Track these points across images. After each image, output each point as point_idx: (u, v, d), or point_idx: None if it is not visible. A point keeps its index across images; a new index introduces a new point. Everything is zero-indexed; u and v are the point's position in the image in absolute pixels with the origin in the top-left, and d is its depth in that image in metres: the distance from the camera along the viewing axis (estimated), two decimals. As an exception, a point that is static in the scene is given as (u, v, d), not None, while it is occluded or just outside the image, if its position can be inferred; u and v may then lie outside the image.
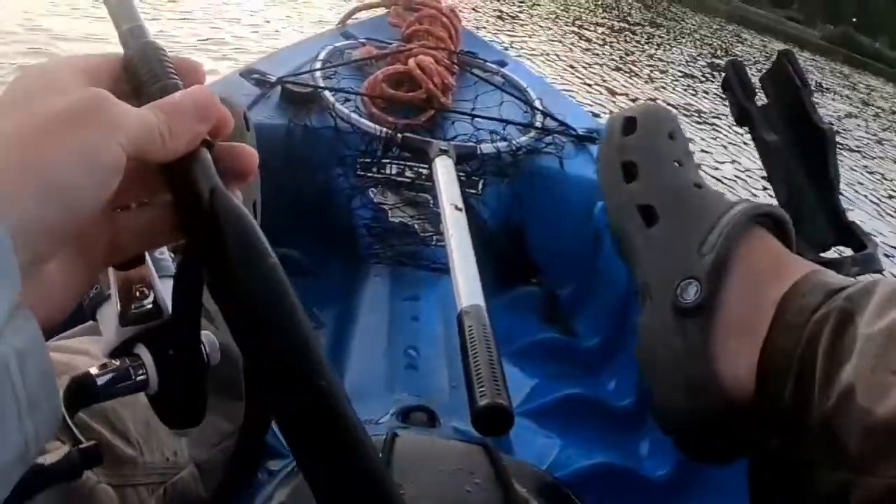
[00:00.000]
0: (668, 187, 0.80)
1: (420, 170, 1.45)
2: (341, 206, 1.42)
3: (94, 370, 0.43)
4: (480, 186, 1.47)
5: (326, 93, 1.54)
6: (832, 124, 0.89)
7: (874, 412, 0.53)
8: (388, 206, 1.44)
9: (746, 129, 0.91)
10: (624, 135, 0.84)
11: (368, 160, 1.45)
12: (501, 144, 1.50)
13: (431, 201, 1.45)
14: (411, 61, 1.64)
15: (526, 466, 0.83)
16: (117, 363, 0.44)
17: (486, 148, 1.47)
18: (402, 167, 1.47)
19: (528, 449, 1.04)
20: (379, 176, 1.46)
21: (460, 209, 1.22)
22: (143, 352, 0.45)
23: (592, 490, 0.94)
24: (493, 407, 0.82)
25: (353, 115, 1.48)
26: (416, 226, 1.42)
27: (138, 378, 0.44)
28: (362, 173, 1.45)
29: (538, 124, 1.62)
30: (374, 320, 1.20)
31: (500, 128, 1.57)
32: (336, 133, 1.46)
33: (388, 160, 1.46)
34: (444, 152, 1.37)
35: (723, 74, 0.92)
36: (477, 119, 1.59)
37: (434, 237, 1.39)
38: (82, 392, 0.41)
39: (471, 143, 1.48)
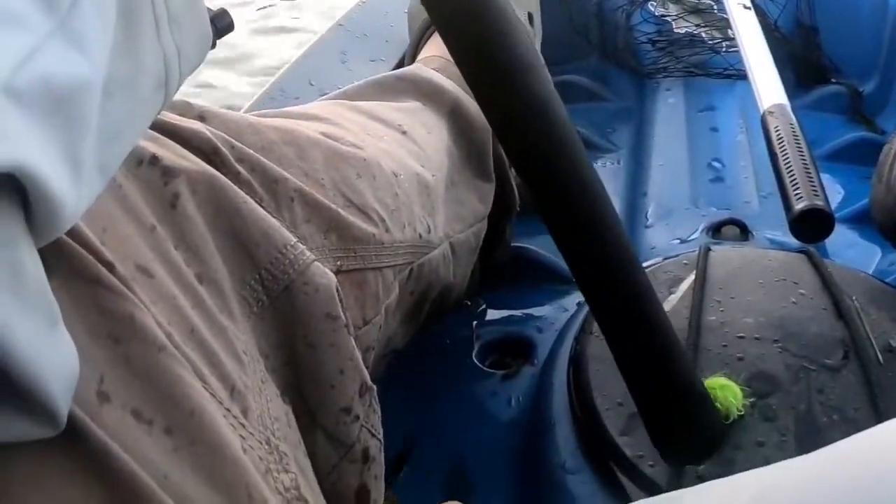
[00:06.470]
0: None
1: (700, -25, 1.37)
2: (620, 24, 1.36)
3: None
4: None
5: None
6: None
7: None
8: (672, 17, 1.37)
9: None
10: None
11: (643, -28, 1.38)
12: (786, -65, 1.37)
13: (715, 7, 1.37)
14: None
15: (854, 273, 0.78)
16: None
17: (768, -58, 1.35)
18: None
19: (847, 258, 0.97)
20: None
21: (748, 7, 1.13)
22: None
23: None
24: (811, 210, 0.77)
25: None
26: (702, 34, 1.34)
27: None
28: None
29: None
30: (671, 136, 1.16)
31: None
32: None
33: (664, -30, 1.39)
34: (724, -48, 1.27)
35: None
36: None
37: (724, 43, 1.31)
38: None
39: (751, -61, 1.36)
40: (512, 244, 0.90)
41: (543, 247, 0.88)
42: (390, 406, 0.72)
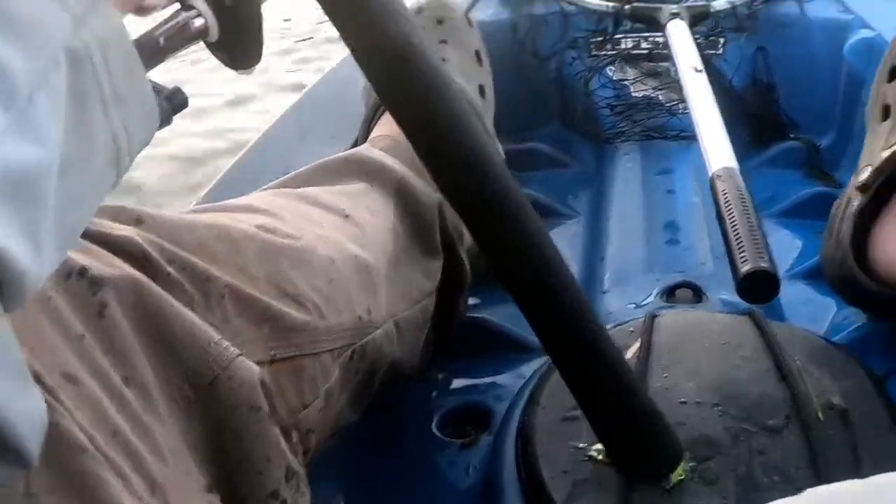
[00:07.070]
0: None
1: (656, 39, 1.40)
2: (579, 89, 1.40)
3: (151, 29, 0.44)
4: (721, 46, 1.40)
5: (547, -23, 1.50)
6: None
7: None
8: (629, 81, 1.40)
9: None
10: None
11: (601, 38, 1.41)
12: (736, -1, 1.41)
13: (673, 70, 1.40)
14: (632, -73, 1.56)
15: (797, 332, 0.79)
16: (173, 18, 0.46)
17: (719, 4, 1.39)
18: (636, 40, 1.42)
19: (801, 314, 0.99)
20: (614, 53, 1.42)
21: (700, 70, 1.16)
22: (199, 2, 0.47)
23: (874, 352, 0.87)
24: (756, 272, 0.78)
25: (579, -4, 1.44)
26: (660, 97, 1.37)
27: (196, 25, 0.47)
28: (596, 53, 1.42)
29: (774, -31, 1.50)
30: (628, 200, 1.18)
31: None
32: (563, 17, 1.42)
33: (621, 35, 1.42)
34: (676, 15, 1.30)
35: None
36: (710, -24, 1.50)
37: (680, 105, 1.34)
38: (143, 52, 0.38)
39: (702, 3, 1.40)
40: (471, 315, 0.91)
41: (502, 316, 0.90)
42: (349, 476, 0.73)
